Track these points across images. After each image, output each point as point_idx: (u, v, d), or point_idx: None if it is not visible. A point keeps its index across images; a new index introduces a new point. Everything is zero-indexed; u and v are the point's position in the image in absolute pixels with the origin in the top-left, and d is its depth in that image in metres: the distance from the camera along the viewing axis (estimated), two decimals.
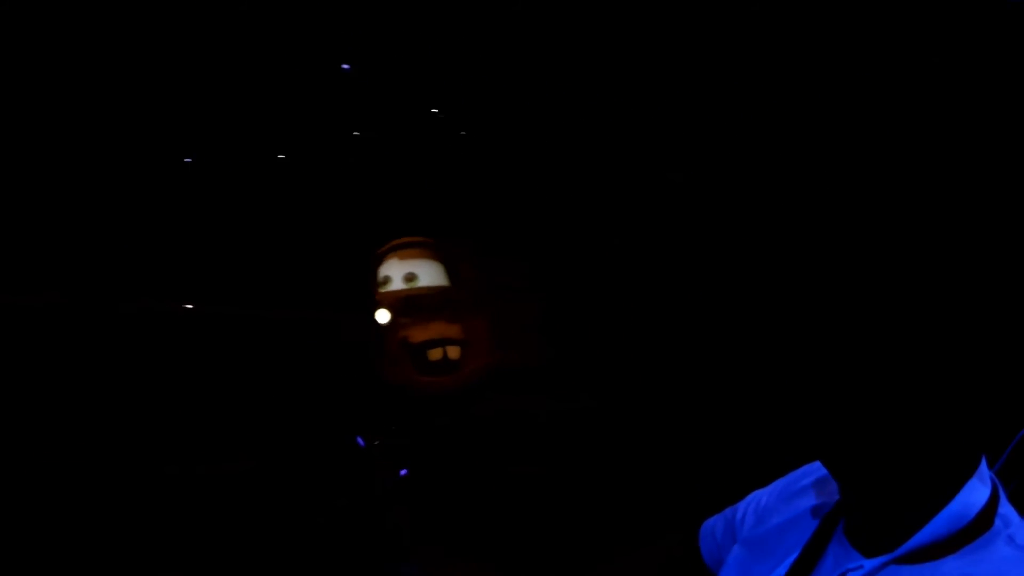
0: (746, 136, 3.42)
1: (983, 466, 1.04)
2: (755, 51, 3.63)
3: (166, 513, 2.31)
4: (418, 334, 3.15)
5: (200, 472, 2.37)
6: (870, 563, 1.05)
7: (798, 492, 1.20)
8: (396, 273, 3.30)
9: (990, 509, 1.02)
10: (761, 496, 1.26)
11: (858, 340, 1.01)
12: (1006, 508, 1.03)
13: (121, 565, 2.21)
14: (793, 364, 1.06)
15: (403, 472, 2.59)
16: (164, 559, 2.22)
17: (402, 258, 3.33)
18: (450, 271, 3.35)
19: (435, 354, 3.12)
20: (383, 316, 3.16)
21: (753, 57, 3.65)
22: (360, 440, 2.55)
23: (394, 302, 3.23)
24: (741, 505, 1.29)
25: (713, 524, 1.33)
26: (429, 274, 3.31)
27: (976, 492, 1.01)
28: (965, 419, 1.00)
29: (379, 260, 3.35)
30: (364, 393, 2.84)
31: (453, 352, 3.14)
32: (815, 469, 1.21)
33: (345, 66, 3.89)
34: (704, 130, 3.53)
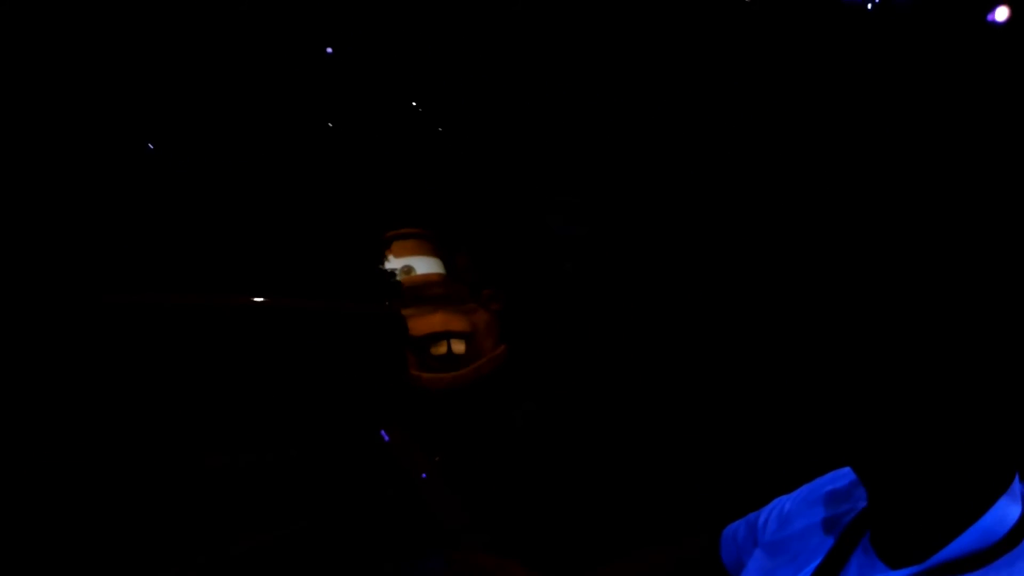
0: (743, 139, 3.43)
1: (1016, 483, 1.04)
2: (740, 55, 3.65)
3: (186, 506, 2.26)
4: (419, 326, 2.93)
5: (221, 464, 2.32)
6: (895, 575, 1.04)
7: (822, 499, 1.20)
8: (393, 266, 3.13)
9: (1020, 526, 1.02)
10: (785, 502, 1.26)
11: (899, 349, 1.01)
12: None
13: (140, 559, 2.16)
14: (831, 371, 1.05)
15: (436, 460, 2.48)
16: (183, 551, 2.17)
17: (398, 251, 3.15)
18: (446, 262, 3.18)
19: (439, 348, 2.91)
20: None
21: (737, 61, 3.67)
22: (384, 433, 2.46)
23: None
24: (765, 510, 1.28)
25: (735, 528, 1.32)
26: (426, 265, 3.13)
27: (1008, 508, 1.01)
28: (1000, 434, 1.00)
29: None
30: (388, 386, 2.73)
31: (458, 346, 2.93)
32: (840, 476, 1.21)
33: (328, 49, 3.83)
34: (695, 133, 3.54)
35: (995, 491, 1.01)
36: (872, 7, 3.70)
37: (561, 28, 3.58)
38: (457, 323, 2.96)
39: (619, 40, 3.57)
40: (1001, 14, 4.25)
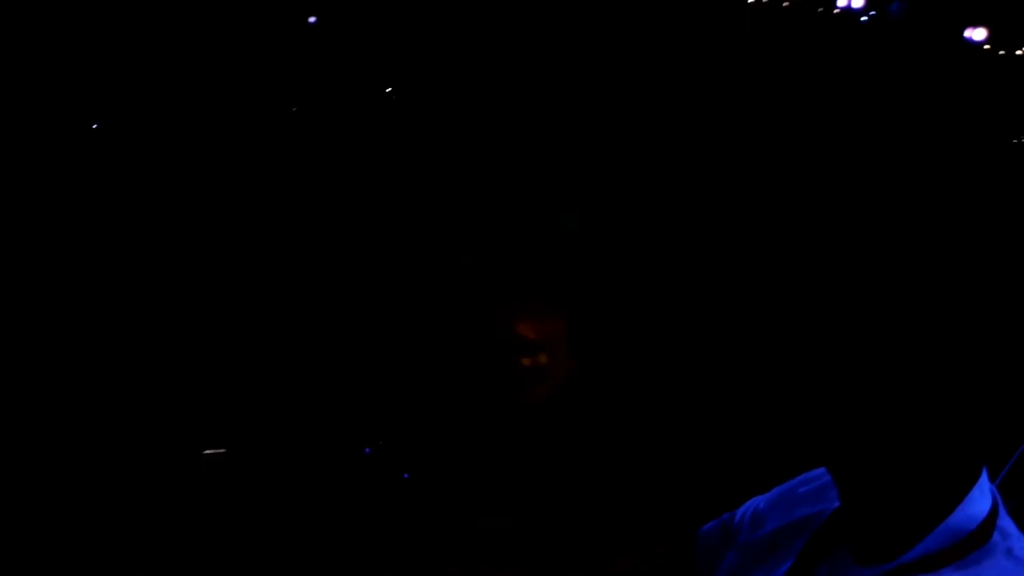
0: (743, 139, 3.46)
1: (984, 479, 1.05)
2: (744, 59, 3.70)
3: (171, 508, 2.23)
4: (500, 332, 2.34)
5: (207, 471, 2.29)
6: (866, 572, 1.05)
7: (796, 500, 1.21)
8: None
9: (990, 522, 1.03)
10: (759, 502, 1.27)
11: (868, 350, 1.02)
12: (1005, 521, 1.04)
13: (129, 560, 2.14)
14: (803, 371, 1.06)
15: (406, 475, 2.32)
16: (167, 555, 2.15)
17: None
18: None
19: (524, 361, 2.34)
20: None
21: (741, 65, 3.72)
22: (368, 450, 2.34)
23: None
24: (739, 511, 1.29)
25: (709, 529, 1.33)
26: None
27: (977, 505, 1.02)
28: (969, 431, 1.01)
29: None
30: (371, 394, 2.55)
31: (540, 359, 2.32)
32: (814, 477, 1.21)
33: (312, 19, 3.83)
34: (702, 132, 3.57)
35: (964, 487, 1.02)
36: (867, 19, 3.81)
37: (562, 33, 3.63)
38: (535, 330, 2.40)
39: (619, 45, 3.62)
40: (979, 34, 4.50)
